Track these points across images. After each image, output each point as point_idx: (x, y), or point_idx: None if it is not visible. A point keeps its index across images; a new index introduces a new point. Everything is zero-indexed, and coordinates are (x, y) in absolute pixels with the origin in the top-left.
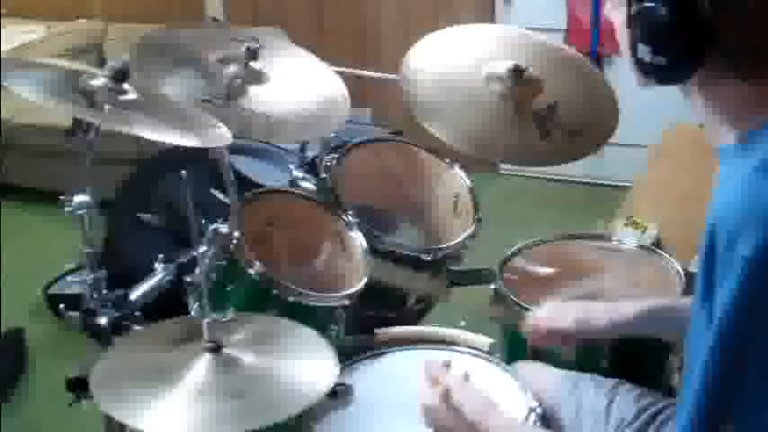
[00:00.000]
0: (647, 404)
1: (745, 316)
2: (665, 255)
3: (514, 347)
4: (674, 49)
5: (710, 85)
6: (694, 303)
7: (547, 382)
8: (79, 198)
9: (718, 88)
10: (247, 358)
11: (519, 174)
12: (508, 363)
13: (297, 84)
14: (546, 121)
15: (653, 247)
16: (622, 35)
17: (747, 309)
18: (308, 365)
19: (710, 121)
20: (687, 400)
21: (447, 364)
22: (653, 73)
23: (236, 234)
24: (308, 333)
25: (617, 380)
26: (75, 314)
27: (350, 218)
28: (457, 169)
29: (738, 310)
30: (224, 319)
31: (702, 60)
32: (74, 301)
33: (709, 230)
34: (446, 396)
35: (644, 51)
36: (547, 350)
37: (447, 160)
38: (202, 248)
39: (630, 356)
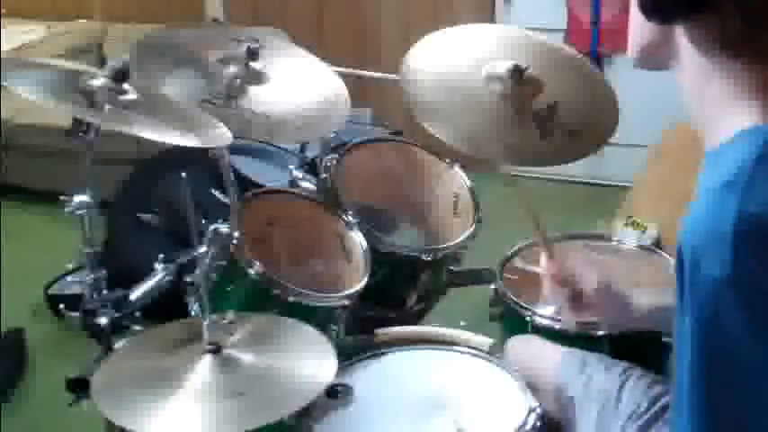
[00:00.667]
0: (659, 394)
1: (712, 337)
2: (665, 255)
3: None
4: None
5: (701, 55)
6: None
7: (552, 357)
8: (79, 198)
9: (707, 62)
10: (247, 358)
11: (519, 174)
12: None
13: (297, 84)
14: (546, 121)
15: (653, 247)
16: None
17: (713, 329)
18: (307, 362)
19: (703, 113)
20: (682, 416)
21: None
22: (652, 3)
23: (236, 234)
24: (306, 330)
25: (627, 363)
26: (76, 314)
27: (350, 218)
28: (457, 169)
29: (705, 331)
30: (224, 321)
31: (702, 3)
32: (74, 301)
33: (678, 247)
34: None
35: None
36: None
37: (447, 160)
38: (202, 249)
39: (631, 356)
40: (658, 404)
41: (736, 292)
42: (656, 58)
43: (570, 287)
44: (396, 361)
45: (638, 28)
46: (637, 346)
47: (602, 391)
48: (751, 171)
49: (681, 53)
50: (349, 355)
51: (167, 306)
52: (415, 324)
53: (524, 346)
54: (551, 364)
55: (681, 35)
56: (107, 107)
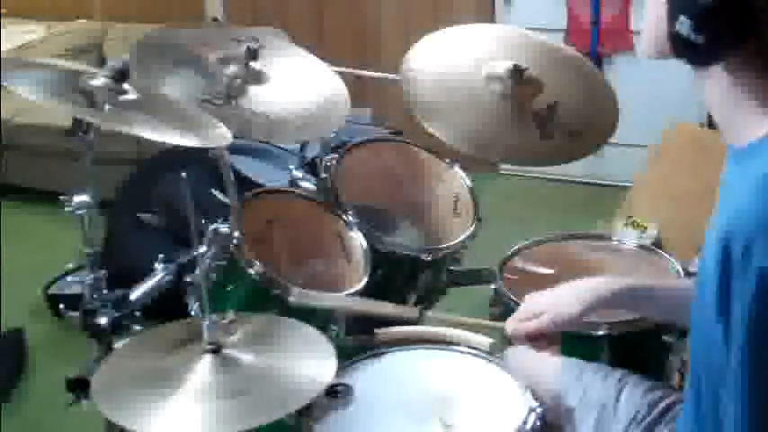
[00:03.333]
0: (657, 399)
1: (762, 326)
2: (665, 255)
3: None
4: (716, 29)
5: (737, 73)
6: (703, 310)
7: (551, 366)
8: (79, 198)
9: (744, 80)
10: (247, 357)
11: (519, 174)
12: None
13: (297, 84)
14: (546, 121)
15: (653, 247)
16: (654, 5)
17: (763, 318)
18: (307, 362)
19: (728, 115)
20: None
21: None
22: (685, 49)
23: (236, 234)
24: (306, 330)
25: (623, 371)
26: (75, 314)
27: (350, 218)
28: (457, 169)
29: (754, 319)
30: (224, 321)
31: (739, 46)
32: (74, 301)
33: (724, 238)
34: None
35: (684, 25)
36: None
37: (447, 160)
38: (202, 249)
39: (630, 356)
40: (657, 408)
41: None
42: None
43: (541, 338)
44: (396, 361)
45: (659, 49)
46: (637, 346)
47: (600, 399)
48: None
49: (711, 69)
50: (349, 355)
51: (167, 306)
52: (415, 324)
53: (523, 356)
54: (550, 373)
55: None
56: (107, 107)
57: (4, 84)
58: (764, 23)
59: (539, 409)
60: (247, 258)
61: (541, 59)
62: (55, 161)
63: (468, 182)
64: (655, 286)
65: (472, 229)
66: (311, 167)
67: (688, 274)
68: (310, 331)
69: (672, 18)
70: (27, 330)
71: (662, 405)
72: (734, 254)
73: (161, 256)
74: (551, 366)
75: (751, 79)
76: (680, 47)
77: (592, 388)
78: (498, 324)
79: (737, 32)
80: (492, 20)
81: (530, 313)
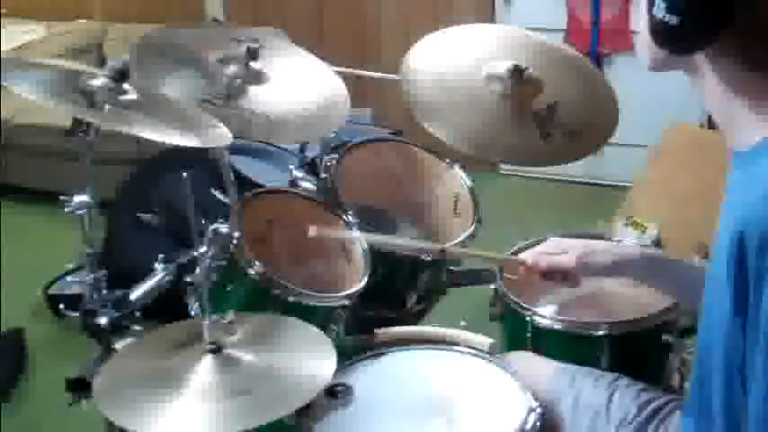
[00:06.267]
0: (648, 400)
1: None
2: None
3: (515, 347)
4: (690, 9)
5: (724, 72)
6: (715, 312)
7: (545, 374)
8: (79, 198)
9: (732, 78)
10: (248, 357)
11: (519, 174)
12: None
13: (297, 84)
14: (546, 121)
15: (653, 247)
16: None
17: None
18: (307, 361)
19: (727, 119)
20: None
21: None
22: (664, 34)
23: (236, 234)
24: (306, 329)
25: (615, 374)
26: (75, 314)
27: (350, 218)
28: (457, 169)
29: None
30: (224, 321)
31: (714, 34)
32: (74, 301)
33: (737, 238)
34: None
35: (660, 8)
36: (547, 349)
37: (447, 160)
38: (202, 249)
39: (630, 356)
40: (648, 409)
41: None
42: (670, 68)
43: (556, 275)
44: (396, 361)
45: (648, 46)
46: (637, 346)
47: (592, 404)
48: None
49: (701, 69)
50: (349, 355)
51: (167, 306)
52: (415, 324)
53: (519, 363)
54: (543, 380)
55: (700, 54)
56: (107, 107)
57: (4, 84)
58: (741, 8)
59: (539, 409)
60: (247, 258)
61: (541, 59)
62: (55, 161)
63: (469, 182)
64: (678, 262)
65: (472, 229)
66: (311, 167)
67: None
68: (310, 330)
69: (650, 6)
70: (27, 330)
71: (652, 406)
72: (750, 252)
73: (161, 256)
74: (544, 375)
75: (738, 76)
76: (659, 33)
77: (584, 393)
78: (518, 258)
79: (712, 14)
80: (492, 20)
81: (557, 249)
